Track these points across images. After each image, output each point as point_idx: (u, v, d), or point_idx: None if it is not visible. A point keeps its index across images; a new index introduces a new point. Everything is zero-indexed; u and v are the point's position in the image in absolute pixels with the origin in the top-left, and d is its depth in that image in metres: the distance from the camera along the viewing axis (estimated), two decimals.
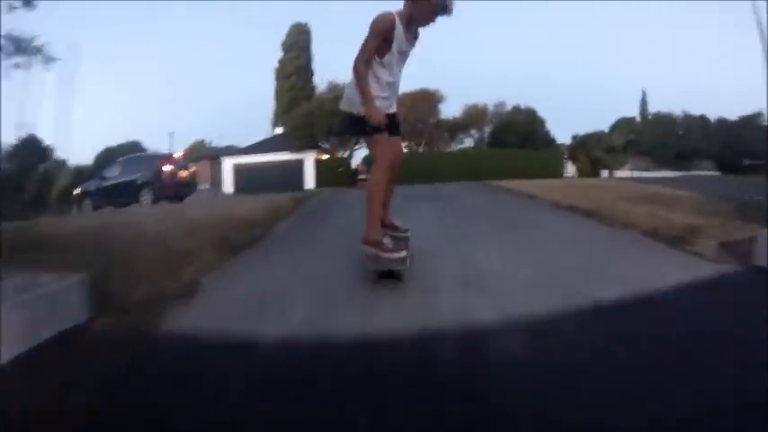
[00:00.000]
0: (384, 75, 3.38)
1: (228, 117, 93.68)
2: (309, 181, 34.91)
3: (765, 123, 43.87)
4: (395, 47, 3.31)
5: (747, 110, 45.14)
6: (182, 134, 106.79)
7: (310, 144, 35.86)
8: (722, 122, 44.29)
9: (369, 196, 3.42)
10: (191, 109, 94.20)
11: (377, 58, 3.31)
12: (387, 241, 3.37)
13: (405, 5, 3.33)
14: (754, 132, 42.51)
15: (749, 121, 44.26)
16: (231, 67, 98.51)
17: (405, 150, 37.28)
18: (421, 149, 40.30)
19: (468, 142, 42.12)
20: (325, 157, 36.27)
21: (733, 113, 45.18)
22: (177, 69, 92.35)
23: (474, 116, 40.74)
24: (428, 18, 3.33)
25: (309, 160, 35.92)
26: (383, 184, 3.48)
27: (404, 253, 3.28)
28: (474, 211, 7.67)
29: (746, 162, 38.02)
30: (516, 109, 39.83)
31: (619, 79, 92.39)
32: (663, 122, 43.56)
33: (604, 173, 39.50)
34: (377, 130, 3.31)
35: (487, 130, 41.20)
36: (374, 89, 3.32)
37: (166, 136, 72.43)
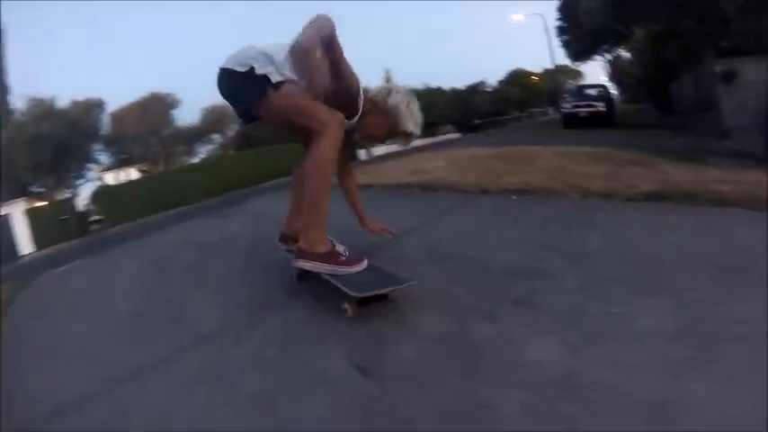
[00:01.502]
0: None
1: None
2: (25, 243, 25.45)
3: (488, 89, 53.67)
4: None
5: (474, 79, 54.51)
6: None
7: (15, 189, 26.34)
8: (455, 91, 50.10)
9: (315, 182, 2.26)
10: None
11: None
12: (341, 249, 2.50)
13: None
14: (479, 97, 51.53)
15: (475, 89, 52.25)
16: None
17: (138, 175, 31.63)
18: (160, 169, 33.41)
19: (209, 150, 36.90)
20: (42, 204, 27.19)
21: (462, 83, 53.26)
22: None
23: (216, 118, 34.58)
24: None
25: (18, 213, 26.24)
26: (334, 162, 2.29)
27: (365, 262, 2.38)
28: None
29: (476, 121, 45.49)
30: None
31: (362, 61, 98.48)
32: None
33: (361, 153, 38.51)
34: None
35: (232, 131, 35.55)
36: None
37: None
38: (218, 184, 21.76)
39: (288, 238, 2.81)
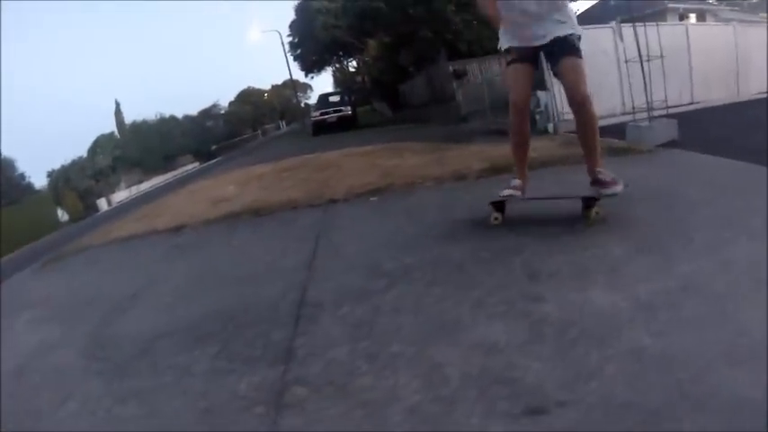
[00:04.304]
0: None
1: None
2: None
3: (221, 112, 52.57)
4: None
5: (206, 103, 53.64)
6: None
7: None
8: (190, 118, 47.83)
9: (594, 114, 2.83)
10: None
11: None
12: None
13: None
14: (214, 121, 50.74)
15: (208, 113, 50.78)
16: None
17: None
18: None
19: None
20: None
21: (194, 109, 52.02)
22: None
23: None
24: None
25: None
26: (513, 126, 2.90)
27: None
28: None
29: (213, 147, 44.26)
30: None
31: (85, 94, 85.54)
32: (142, 130, 41.55)
33: (102, 203, 33.58)
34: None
35: None
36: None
37: None
38: None
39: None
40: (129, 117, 44.95)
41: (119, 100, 49.13)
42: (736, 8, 33.93)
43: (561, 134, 7.06)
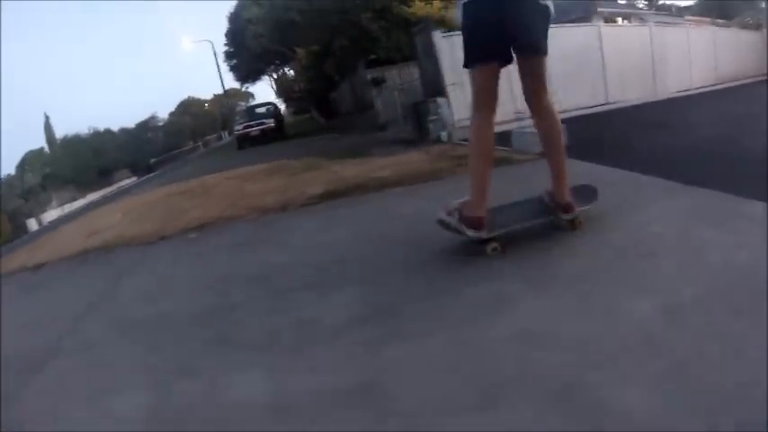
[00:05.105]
0: None
1: None
2: None
3: (160, 123, 51.05)
4: None
5: (143, 115, 51.62)
6: None
7: None
8: (125, 131, 46.59)
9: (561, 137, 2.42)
10: None
11: None
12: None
13: None
14: (152, 133, 49.14)
15: (146, 125, 49.43)
16: None
17: None
18: None
19: None
20: None
21: (131, 121, 50.05)
22: None
23: None
24: None
25: None
26: (484, 130, 2.29)
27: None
28: None
29: (152, 160, 42.63)
30: None
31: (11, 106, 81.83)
32: (74, 145, 40.01)
33: (32, 223, 32.01)
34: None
35: None
36: None
37: None
38: None
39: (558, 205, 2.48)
40: (61, 131, 43.02)
41: (48, 114, 47.54)
42: (665, 12, 35.02)
43: (454, 144, 6.93)
